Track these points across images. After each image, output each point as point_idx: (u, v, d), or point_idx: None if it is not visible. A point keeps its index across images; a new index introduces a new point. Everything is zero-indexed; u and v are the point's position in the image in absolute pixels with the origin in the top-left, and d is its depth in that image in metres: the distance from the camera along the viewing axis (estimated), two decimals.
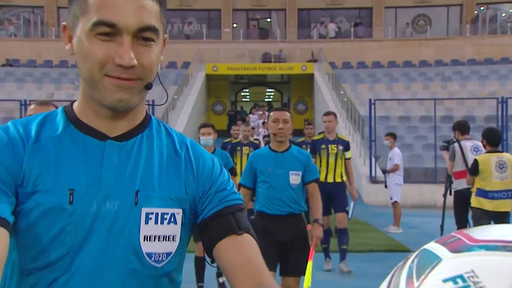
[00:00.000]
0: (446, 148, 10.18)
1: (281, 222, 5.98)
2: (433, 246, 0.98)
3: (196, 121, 32.11)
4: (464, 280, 0.87)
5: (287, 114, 6.20)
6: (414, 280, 0.94)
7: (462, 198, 9.52)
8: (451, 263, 0.92)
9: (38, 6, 41.52)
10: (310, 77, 36.05)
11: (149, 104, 21.73)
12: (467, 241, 0.95)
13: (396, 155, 14.51)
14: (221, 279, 8.38)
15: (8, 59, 36.80)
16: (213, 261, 1.78)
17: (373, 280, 8.38)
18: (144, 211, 1.66)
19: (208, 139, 7.97)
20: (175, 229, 1.70)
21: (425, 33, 41.06)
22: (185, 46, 37.74)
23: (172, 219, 1.69)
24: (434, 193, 17.60)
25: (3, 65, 35.87)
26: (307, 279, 5.18)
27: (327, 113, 10.17)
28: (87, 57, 1.60)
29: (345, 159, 9.88)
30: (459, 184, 9.66)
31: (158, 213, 1.67)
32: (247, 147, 12.45)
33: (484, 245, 0.92)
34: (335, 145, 9.78)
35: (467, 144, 9.73)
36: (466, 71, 33.71)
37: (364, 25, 41.41)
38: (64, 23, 1.74)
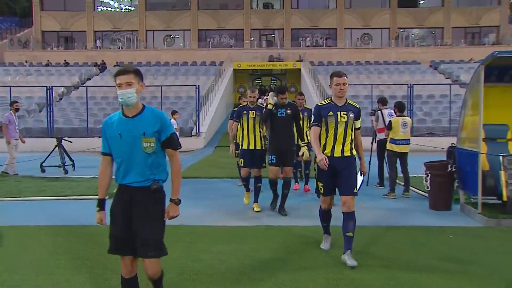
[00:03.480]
0: (373, 114, 10.09)
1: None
2: None
3: (227, 98, 32.13)
4: None
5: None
6: None
7: (382, 145, 9.48)
8: None
9: (135, 30, 41.83)
10: (298, 70, 36.04)
11: (196, 88, 21.74)
12: None
13: None
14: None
15: (117, 61, 37.10)
16: None
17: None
18: None
19: (126, 93, 3.28)
20: None
21: (368, 44, 40.74)
22: (221, 51, 38.36)
23: None
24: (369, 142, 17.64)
25: (114, 66, 36.16)
26: None
27: (340, 74, 5.02)
28: None
29: (355, 129, 5.10)
30: (380, 136, 9.63)
31: None
32: (253, 111, 7.66)
33: None
34: (345, 112, 5.00)
35: (385, 111, 9.64)
36: (391, 68, 33.42)
37: (332, 39, 41.15)
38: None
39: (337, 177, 5.03)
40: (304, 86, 32.94)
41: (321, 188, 5.16)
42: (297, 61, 37.11)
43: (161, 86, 23.74)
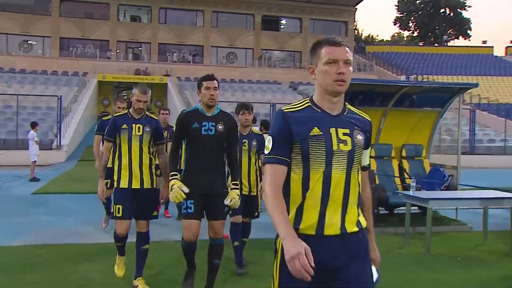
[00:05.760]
0: None
1: None
2: None
3: (90, 109, 30.62)
4: None
5: None
6: None
7: None
8: None
9: None
10: (165, 85, 35.66)
11: (58, 98, 20.39)
12: None
13: None
14: None
15: None
16: None
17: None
18: None
19: None
20: None
21: (233, 63, 42.05)
22: (85, 62, 36.70)
23: None
24: None
25: None
26: None
27: (338, 42, 2.08)
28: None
29: (362, 168, 2.22)
30: None
31: None
32: (140, 125, 4.70)
33: None
34: (347, 130, 2.08)
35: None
36: (255, 87, 34.84)
37: (199, 56, 41.65)
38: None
39: (334, 282, 2.05)
40: (170, 101, 32.77)
41: None
42: (164, 75, 36.84)
43: (17, 95, 21.81)
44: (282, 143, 2.06)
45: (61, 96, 20.89)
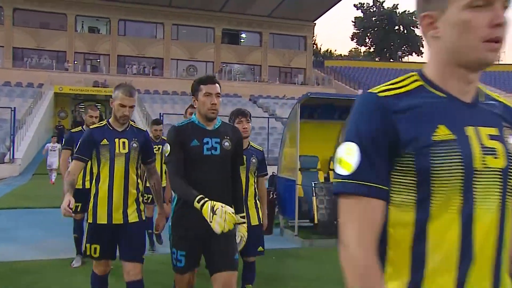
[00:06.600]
0: None
1: None
2: None
3: (46, 122, 29.76)
4: None
5: None
6: None
7: None
8: None
9: None
10: None
11: (12, 110, 19.72)
12: None
13: None
14: None
15: None
16: None
17: None
18: None
19: None
20: None
21: (194, 76, 41.86)
22: (40, 73, 35.51)
23: None
24: None
25: None
26: None
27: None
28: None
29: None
30: None
31: None
32: (124, 140, 3.68)
33: None
34: (495, 130, 1.10)
35: None
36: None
37: (158, 68, 41.36)
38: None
39: None
40: None
41: None
42: None
43: None
44: (376, 157, 1.06)
45: (14, 108, 20.23)
